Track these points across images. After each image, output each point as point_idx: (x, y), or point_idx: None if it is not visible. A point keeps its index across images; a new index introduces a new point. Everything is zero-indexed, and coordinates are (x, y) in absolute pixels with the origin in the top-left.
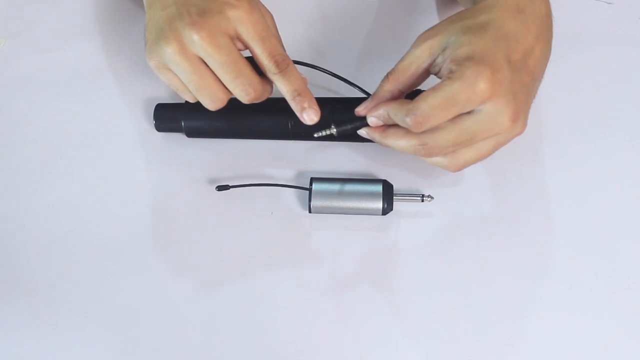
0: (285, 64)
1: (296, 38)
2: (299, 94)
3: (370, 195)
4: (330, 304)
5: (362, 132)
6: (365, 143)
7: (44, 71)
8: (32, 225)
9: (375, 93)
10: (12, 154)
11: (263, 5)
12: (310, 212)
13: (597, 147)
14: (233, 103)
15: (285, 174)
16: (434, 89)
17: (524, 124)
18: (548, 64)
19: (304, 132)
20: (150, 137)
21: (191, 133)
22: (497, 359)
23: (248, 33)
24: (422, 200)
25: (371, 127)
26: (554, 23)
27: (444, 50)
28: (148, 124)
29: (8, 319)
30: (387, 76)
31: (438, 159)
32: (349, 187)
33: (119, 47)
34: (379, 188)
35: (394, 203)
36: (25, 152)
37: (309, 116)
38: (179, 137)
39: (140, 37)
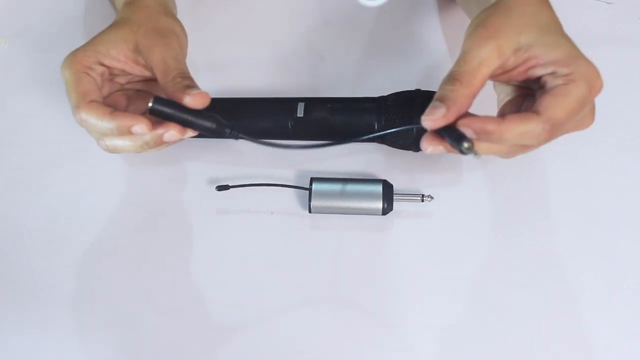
0: (76, 112)
1: (297, 43)
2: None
3: (370, 195)
4: (330, 304)
5: (464, 132)
6: (365, 143)
7: (44, 71)
8: (32, 225)
9: (446, 98)
10: (12, 154)
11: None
12: (310, 212)
13: (597, 148)
14: (233, 103)
15: (285, 174)
16: (560, 94)
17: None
18: None
19: (304, 132)
20: None
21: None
22: (496, 358)
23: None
24: (422, 200)
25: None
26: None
27: (516, 51)
28: None
29: (8, 319)
30: (455, 79)
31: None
32: (349, 187)
33: None
34: (379, 188)
35: (394, 203)
36: (25, 152)
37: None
38: None
39: None
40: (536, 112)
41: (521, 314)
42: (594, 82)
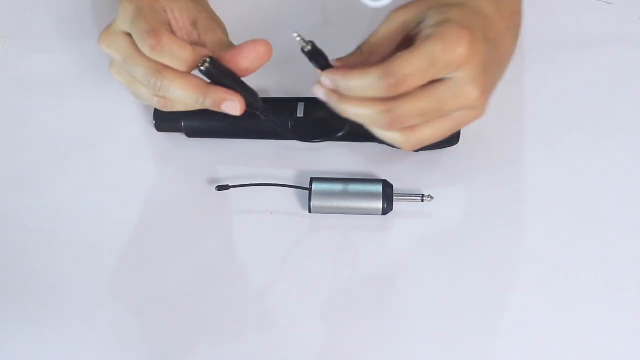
0: (154, 36)
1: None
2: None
3: (370, 195)
4: (330, 304)
5: (318, 92)
6: (365, 143)
7: (44, 71)
8: (32, 225)
9: (344, 60)
10: (12, 154)
11: None
12: (310, 212)
13: (597, 148)
14: None
15: (285, 174)
16: (411, 49)
17: (486, 107)
18: (549, 63)
19: (304, 132)
20: (150, 137)
21: (191, 133)
22: (497, 358)
23: (126, 23)
24: (422, 200)
25: (330, 87)
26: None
27: (418, 24)
28: (148, 124)
29: (8, 319)
30: (359, 48)
31: (394, 135)
32: (349, 187)
33: None
34: (379, 188)
35: (394, 203)
36: (25, 152)
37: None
38: (179, 137)
39: None
40: (383, 63)
41: (521, 314)
42: (452, 44)
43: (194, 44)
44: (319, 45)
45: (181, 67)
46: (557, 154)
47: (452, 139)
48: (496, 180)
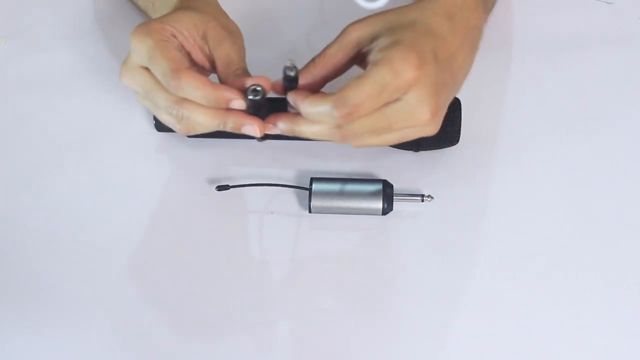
0: (175, 77)
1: (297, 42)
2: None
3: (370, 195)
4: (329, 304)
5: (273, 130)
6: None
7: (44, 71)
8: (32, 225)
9: (302, 71)
10: (12, 154)
11: (171, 18)
12: (310, 212)
13: (597, 147)
14: None
15: (285, 174)
16: (361, 77)
17: (439, 124)
18: (549, 63)
19: None
20: (150, 137)
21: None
22: (497, 358)
23: (142, 59)
24: (422, 200)
25: (281, 118)
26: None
27: (371, 41)
28: (148, 124)
29: (8, 319)
30: (313, 61)
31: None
32: (349, 187)
33: (119, 47)
34: (379, 188)
35: (394, 203)
36: (25, 152)
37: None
38: (179, 137)
39: None
40: (335, 94)
41: (521, 314)
42: (400, 69)
43: (206, 57)
44: (317, 44)
45: (202, 101)
46: (557, 154)
47: (452, 139)
48: (496, 180)
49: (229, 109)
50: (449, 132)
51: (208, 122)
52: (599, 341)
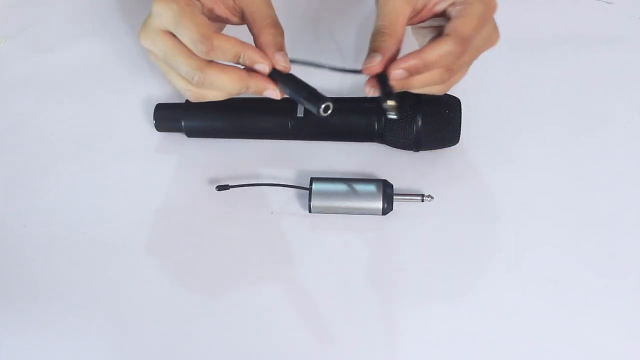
0: (207, 41)
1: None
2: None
3: (370, 195)
4: (329, 304)
5: (396, 75)
6: (365, 143)
7: (44, 71)
8: (32, 225)
9: (379, 48)
10: (12, 154)
11: None
12: (310, 212)
13: (597, 147)
14: (233, 102)
15: (285, 174)
16: (463, 15)
17: None
18: (549, 63)
19: (304, 132)
20: (150, 137)
21: (191, 133)
22: (497, 358)
23: (167, 24)
24: (422, 200)
25: (402, 73)
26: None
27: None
28: (148, 124)
29: (8, 319)
30: (382, 32)
31: (438, 87)
32: (349, 187)
33: (119, 47)
34: (379, 188)
35: (394, 203)
36: (25, 152)
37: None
38: (179, 137)
39: None
40: (446, 35)
41: (522, 314)
42: (488, 1)
43: (230, 10)
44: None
45: (230, 61)
46: (557, 154)
47: (452, 139)
48: (496, 180)
49: (251, 73)
50: (449, 132)
51: (231, 86)
52: (598, 339)
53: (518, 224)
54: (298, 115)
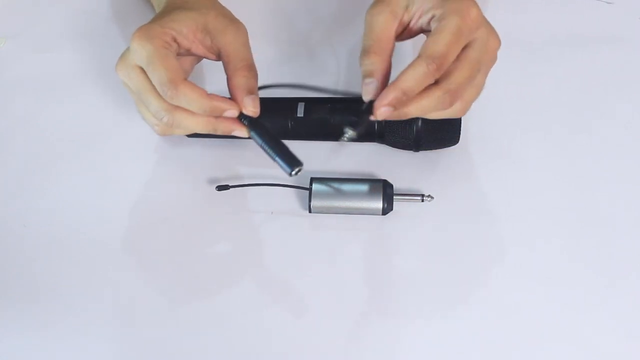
0: (173, 87)
1: (296, 43)
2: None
3: (370, 195)
4: (329, 304)
5: (382, 113)
6: (365, 143)
7: (44, 71)
8: (32, 225)
9: (372, 72)
10: (12, 154)
11: (172, 17)
12: (310, 212)
13: (597, 147)
14: None
15: (286, 174)
16: (436, 32)
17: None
18: (549, 63)
19: (304, 132)
20: (150, 137)
21: (191, 133)
22: (497, 358)
23: (140, 62)
24: (422, 200)
25: (388, 109)
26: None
27: (406, 8)
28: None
29: (8, 319)
30: (370, 52)
31: (450, 109)
32: (349, 187)
33: (119, 47)
34: (379, 188)
35: (394, 203)
36: (25, 152)
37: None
38: (179, 137)
39: None
40: (418, 56)
41: (522, 314)
42: (464, 11)
43: (207, 49)
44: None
45: (197, 111)
46: (557, 154)
47: (452, 139)
48: (496, 180)
49: (219, 117)
50: (449, 132)
51: (198, 128)
52: (598, 339)
53: (518, 223)
54: (298, 115)
